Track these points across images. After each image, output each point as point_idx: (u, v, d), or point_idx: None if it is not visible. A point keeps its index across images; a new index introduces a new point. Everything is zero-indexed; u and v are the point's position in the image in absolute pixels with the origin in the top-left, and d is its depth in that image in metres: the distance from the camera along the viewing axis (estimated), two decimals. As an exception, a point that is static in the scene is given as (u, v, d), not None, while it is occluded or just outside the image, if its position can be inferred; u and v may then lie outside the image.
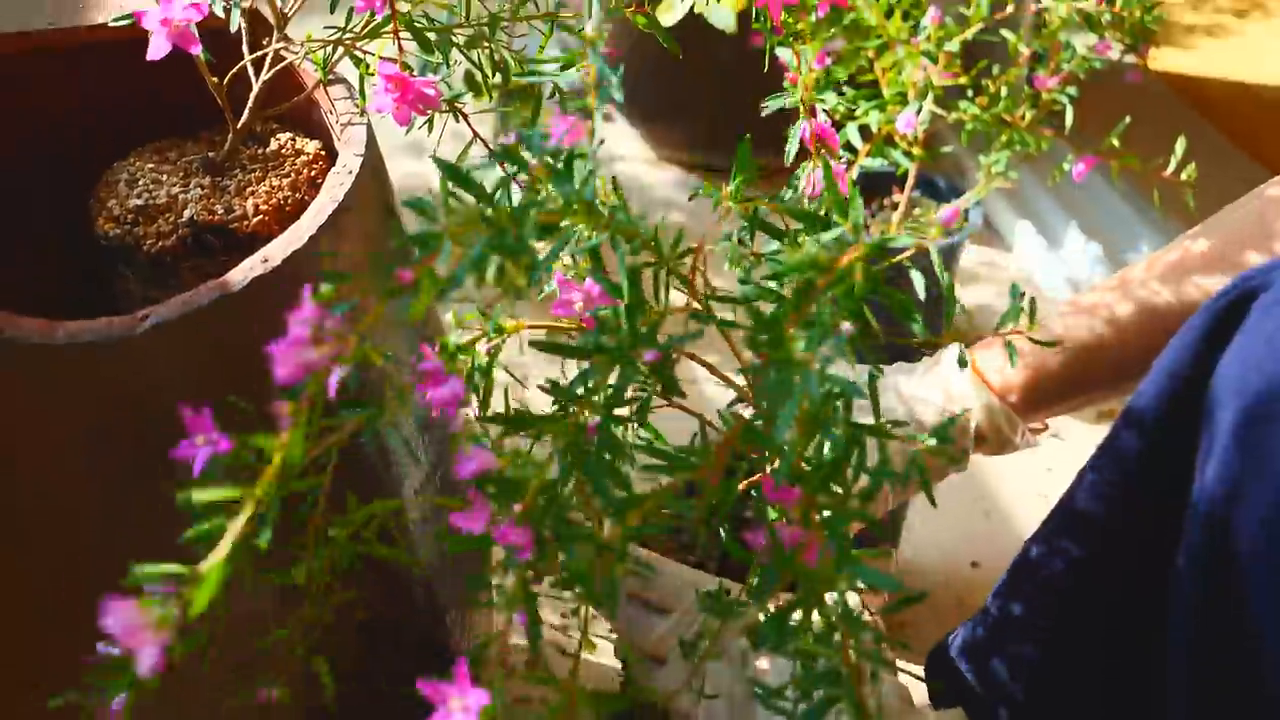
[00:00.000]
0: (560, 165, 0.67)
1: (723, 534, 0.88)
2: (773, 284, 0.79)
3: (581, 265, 0.87)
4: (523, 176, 0.70)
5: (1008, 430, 1.12)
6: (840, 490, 0.67)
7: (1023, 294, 0.96)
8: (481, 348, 0.92)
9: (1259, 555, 0.81)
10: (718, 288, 0.83)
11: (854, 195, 0.75)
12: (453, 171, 0.64)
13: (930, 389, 1.15)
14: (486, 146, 0.98)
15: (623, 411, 0.74)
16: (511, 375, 0.98)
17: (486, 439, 0.71)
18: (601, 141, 0.74)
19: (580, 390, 0.71)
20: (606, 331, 0.71)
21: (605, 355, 0.69)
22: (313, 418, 0.60)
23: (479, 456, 0.67)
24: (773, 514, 0.69)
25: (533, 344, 0.73)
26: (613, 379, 0.71)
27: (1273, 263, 0.85)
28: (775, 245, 0.85)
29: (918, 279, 0.95)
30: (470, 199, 0.63)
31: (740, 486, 0.82)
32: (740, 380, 0.99)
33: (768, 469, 1.02)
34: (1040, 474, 1.72)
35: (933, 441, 0.90)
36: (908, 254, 0.92)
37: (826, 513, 0.67)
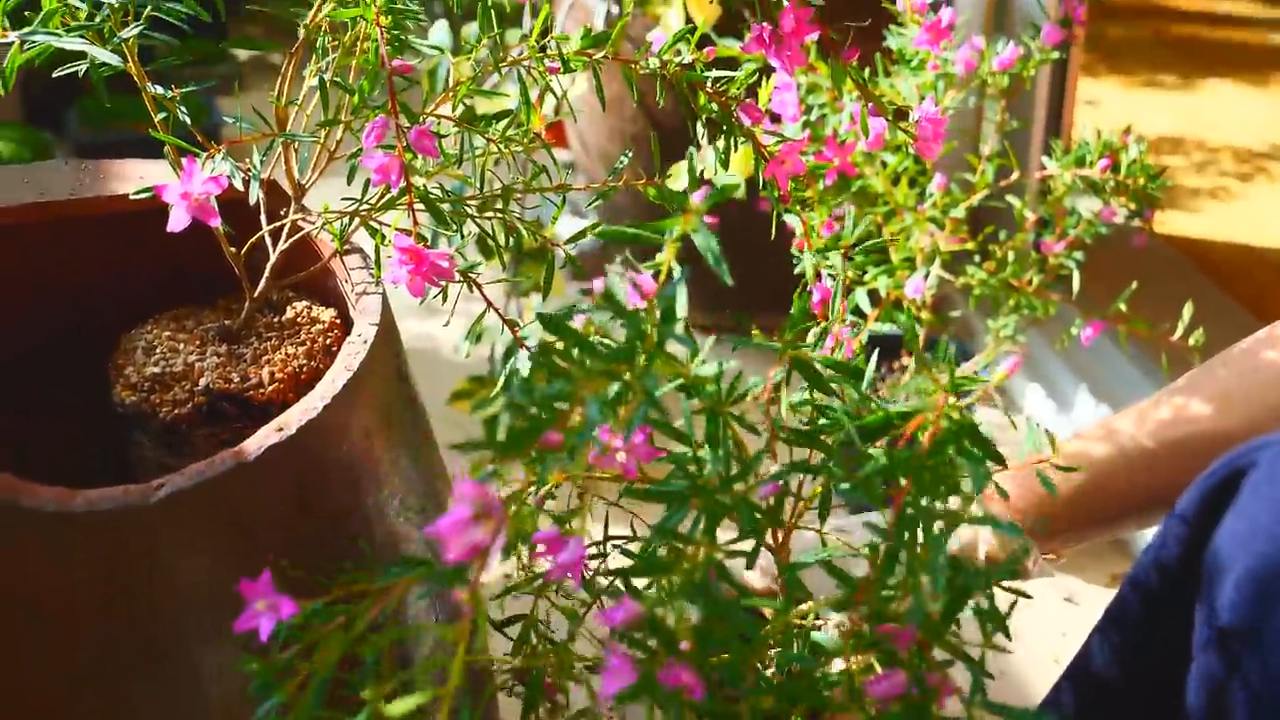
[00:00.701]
0: (659, 323, 0.66)
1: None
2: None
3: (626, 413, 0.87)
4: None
5: (1022, 555, 1.12)
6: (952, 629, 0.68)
7: (1039, 425, 0.97)
8: (531, 499, 0.91)
9: None
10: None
11: (947, 352, 0.77)
12: (555, 325, 0.64)
13: None
14: (499, 314, 1.00)
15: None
16: (555, 517, 0.98)
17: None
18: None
19: (690, 532, 0.71)
20: (684, 473, 0.72)
21: (707, 497, 0.70)
22: (481, 599, 0.59)
23: (624, 607, 0.67)
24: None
25: (628, 492, 0.73)
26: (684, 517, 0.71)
27: (1261, 441, 0.88)
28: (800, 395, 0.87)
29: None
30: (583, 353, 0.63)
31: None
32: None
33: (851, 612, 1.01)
34: (1055, 638, 1.71)
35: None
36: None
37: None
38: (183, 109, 0.94)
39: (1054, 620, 1.74)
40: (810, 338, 1.03)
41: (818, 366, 0.84)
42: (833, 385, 0.84)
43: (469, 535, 0.58)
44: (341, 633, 0.68)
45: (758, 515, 0.74)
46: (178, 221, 0.85)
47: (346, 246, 1.03)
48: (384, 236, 0.98)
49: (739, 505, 0.73)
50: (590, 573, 1.00)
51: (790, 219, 1.05)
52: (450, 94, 0.99)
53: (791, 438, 0.85)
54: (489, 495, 0.59)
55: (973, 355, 1.83)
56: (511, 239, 1.03)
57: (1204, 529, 0.90)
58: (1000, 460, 0.75)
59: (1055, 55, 1.51)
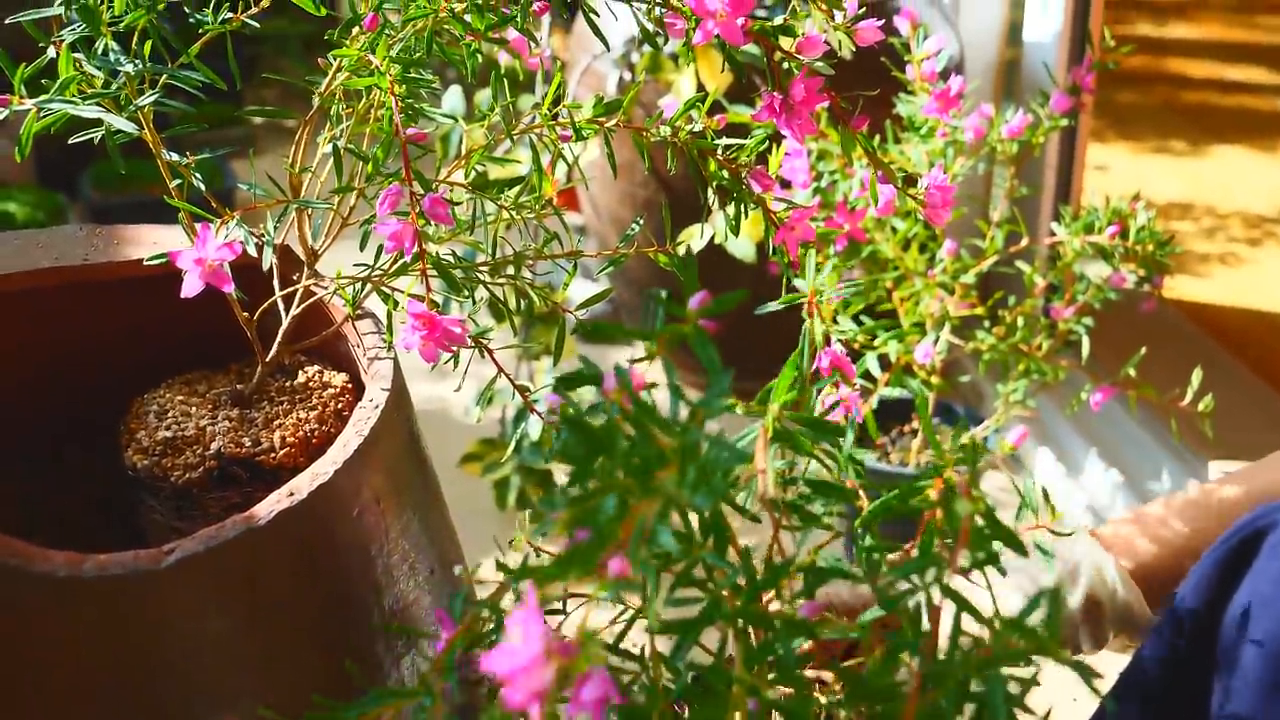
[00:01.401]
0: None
1: None
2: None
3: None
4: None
5: (1134, 601, 1.04)
6: None
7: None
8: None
9: None
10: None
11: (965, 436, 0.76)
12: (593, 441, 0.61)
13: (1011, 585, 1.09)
14: (511, 381, 1.00)
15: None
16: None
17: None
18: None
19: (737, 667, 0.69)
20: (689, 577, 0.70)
21: (731, 619, 0.68)
22: None
23: None
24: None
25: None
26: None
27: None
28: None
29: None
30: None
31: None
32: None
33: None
34: (1065, 704, 1.69)
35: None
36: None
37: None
38: (197, 175, 0.95)
39: (1066, 687, 1.72)
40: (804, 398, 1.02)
41: (798, 430, 0.83)
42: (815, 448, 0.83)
43: (537, 678, 0.52)
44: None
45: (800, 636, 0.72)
46: (191, 287, 0.85)
47: (358, 312, 1.04)
48: (396, 302, 0.98)
49: (783, 629, 0.69)
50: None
51: (800, 283, 1.06)
52: (463, 160, 1.00)
53: (792, 526, 0.84)
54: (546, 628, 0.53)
55: (982, 420, 1.83)
56: (523, 304, 1.03)
57: (1223, 590, 0.88)
58: (1019, 548, 0.73)
59: (1064, 122, 1.52)
